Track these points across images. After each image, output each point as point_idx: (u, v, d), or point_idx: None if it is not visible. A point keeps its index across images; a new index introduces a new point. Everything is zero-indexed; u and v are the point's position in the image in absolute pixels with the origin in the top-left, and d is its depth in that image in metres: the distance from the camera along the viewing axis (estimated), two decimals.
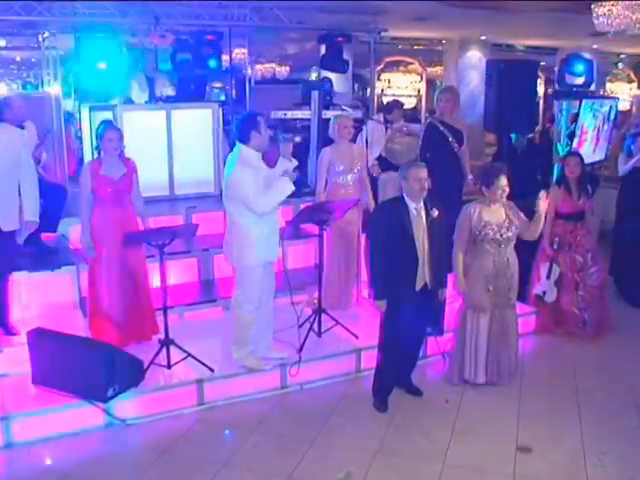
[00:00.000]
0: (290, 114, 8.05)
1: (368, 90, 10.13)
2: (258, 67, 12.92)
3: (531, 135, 7.26)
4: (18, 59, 15.59)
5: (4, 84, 16.32)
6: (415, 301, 4.52)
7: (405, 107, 12.77)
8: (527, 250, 6.07)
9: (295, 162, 4.72)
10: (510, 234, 4.80)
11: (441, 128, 6.12)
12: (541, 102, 13.68)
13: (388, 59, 12.73)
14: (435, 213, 4.55)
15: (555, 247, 5.86)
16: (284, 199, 4.56)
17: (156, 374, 4.68)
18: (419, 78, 13.04)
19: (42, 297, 5.38)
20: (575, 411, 4.62)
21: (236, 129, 4.47)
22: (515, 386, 4.96)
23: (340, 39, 8.47)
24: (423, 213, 4.52)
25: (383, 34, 11.64)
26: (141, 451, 4.17)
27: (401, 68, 12.89)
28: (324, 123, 7.90)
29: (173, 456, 4.08)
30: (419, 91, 13.15)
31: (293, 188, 4.45)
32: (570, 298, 5.92)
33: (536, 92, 6.53)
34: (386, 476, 3.88)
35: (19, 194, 4.86)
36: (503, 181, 4.75)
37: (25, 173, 4.76)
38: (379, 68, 12.71)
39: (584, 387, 4.98)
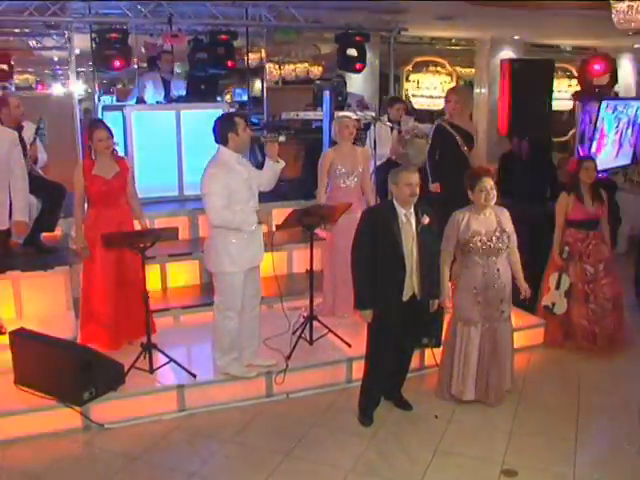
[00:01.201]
0: (302, 115, 7.92)
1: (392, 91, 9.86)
2: (291, 67, 12.82)
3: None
4: (56, 59, 15.89)
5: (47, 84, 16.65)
6: (402, 312, 4.32)
7: (434, 109, 12.63)
8: (537, 260, 5.84)
9: (282, 163, 4.58)
10: (501, 245, 4.54)
11: (450, 130, 5.89)
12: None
13: (417, 59, 12.48)
14: (426, 220, 4.33)
15: (565, 256, 5.57)
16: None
17: (137, 378, 4.61)
18: (449, 79, 12.74)
19: (36, 297, 5.37)
20: (572, 433, 4.33)
21: (213, 131, 4.35)
22: (512, 403, 4.71)
23: (358, 38, 8.29)
24: (413, 220, 4.31)
25: (413, 34, 11.50)
26: (113, 456, 4.09)
27: (430, 68, 12.62)
28: None
29: (143, 463, 4.00)
30: None
31: (254, 227, 4.37)
32: (580, 310, 5.61)
33: (551, 93, 6.20)
34: None
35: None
36: (486, 183, 4.49)
37: (15, 173, 4.75)
38: (408, 68, 12.48)
39: (586, 407, 4.68)
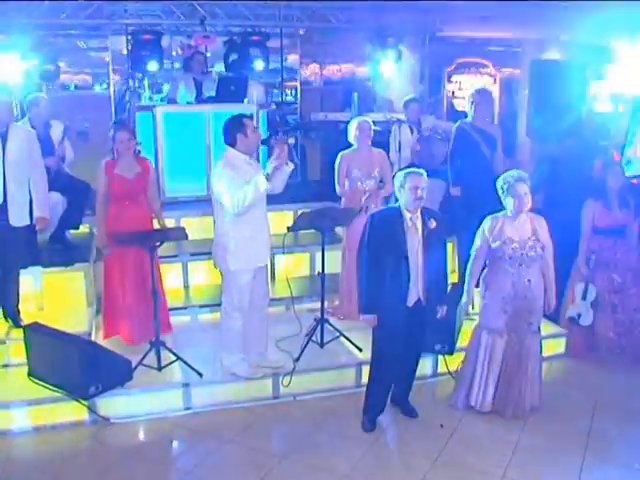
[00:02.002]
0: (331, 116, 7.88)
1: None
2: (336, 67, 12.81)
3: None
4: (107, 59, 16.31)
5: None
6: (408, 317, 4.24)
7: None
8: (562, 268, 5.62)
9: (291, 165, 4.56)
10: (534, 254, 4.36)
11: (472, 132, 5.75)
12: None
13: (460, 60, 12.23)
14: (432, 224, 4.23)
15: (591, 265, 5.35)
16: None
17: (145, 375, 4.68)
18: (492, 80, 12.44)
19: (58, 292, 5.51)
20: (581, 450, 4.15)
21: (222, 132, 4.37)
22: (522, 415, 4.55)
23: (390, 39, 8.20)
24: (419, 224, 4.23)
25: (454, 34, 11.29)
26: (113, 451, 4.17)
27: (472, 69, 12.35)
28: None
29: (141, 459, 4.06)
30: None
31: (266, 186, 4.22)
32: (607, 321, 5.39)
33: (583, 94, 5.97)
34: None
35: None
36: (520, 189, 4.34)
37: (34, 170, 4.89)
38: (450, 69, 12.24)
39: (600, 424, 4.48)
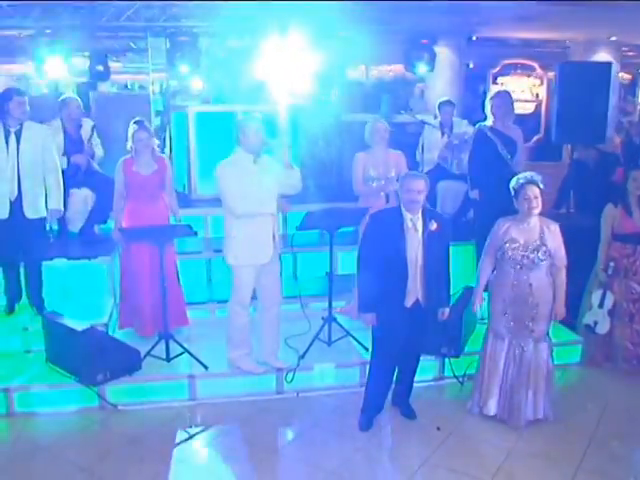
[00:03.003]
0: (359, 117, 7.89)
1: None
2: (388, 68, 12.85)
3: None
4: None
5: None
6: (406, 318, 4.26)
7: (522, 112, 12.12)
8: (580, 274, 5.50)
9: (296, 169, 4.65)
10: (534, 257, 4.30)
11: (491, 136, 5.68)
12: None
13: (506, 61, 12.04)
14: (433, 226, 4.23)
15: (610, 272, 5.22)
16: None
17: (154, 366, 4.85)
18: (539, 82, 12.18)
19: (81, 283, 5.77)
20: (576, 461, 4.05)
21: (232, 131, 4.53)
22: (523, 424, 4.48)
23: (424, 40, 8.17)
24: (420, 225, 4.23)
25: (498, 35, 11.13)
26: (116, 435, 4.34)
27: (519, 71, 12.13)
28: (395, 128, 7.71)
29: (139, 445, 4.22)
30: (538, 96, 12.28)
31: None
32: (624, 331, 5.24)
33: (607, 98, 5.80)
34: None
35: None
36: (530, 191, 4.29)
37: (48, 166, 5.14)
38: (495, 71, 12.07)
39: (603, 434, 4.37)
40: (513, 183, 4.36)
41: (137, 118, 5.32)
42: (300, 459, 4.07)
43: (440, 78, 10.63)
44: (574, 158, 6.83)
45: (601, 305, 5.28)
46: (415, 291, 4.24)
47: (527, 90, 12.15)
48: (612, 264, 5.21)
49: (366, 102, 9.10)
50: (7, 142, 4.91)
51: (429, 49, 8.33)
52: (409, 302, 4.25)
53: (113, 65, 13.62)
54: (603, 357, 5.35)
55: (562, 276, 4.40)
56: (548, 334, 4.54)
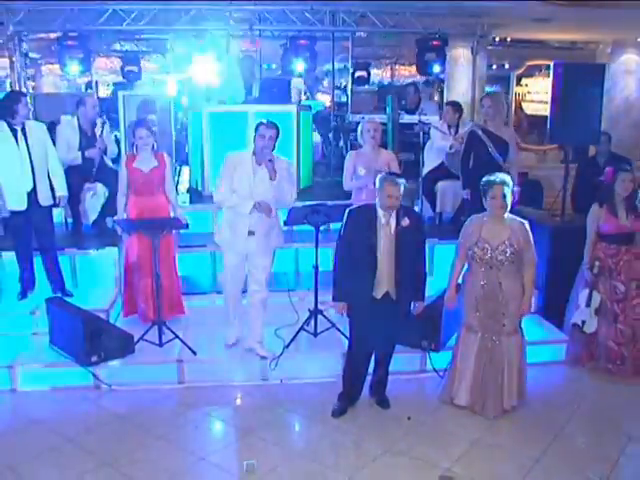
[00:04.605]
0: (367, 117, 8.06)
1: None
2: (403, 68, 12.98)
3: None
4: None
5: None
6: (375, 309, 4.44)
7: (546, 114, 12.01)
8: (567, 274, 5.57)
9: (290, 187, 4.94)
10: (503, 258, 4.43)
11: (482, 136, 5.80)
12: None
13: (529, 63, 11.98)
14: (405, 222, 4.41)
15: (595, 272, 5.27)
16: None
17: (147, 350, 5.16)
18: None
19: (89, 272, 6.15)
20: (537, 454, 4.13)
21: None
22: (495, 414, 4.60)
23: (435, 42, 8.27)
24: (393, 221, 4.41)
25: (521, 36, 11.12)
26: (106, 413, 4.66)
27: (543, 72, 12.06)
28: (403, 128, 7.89)
29: (126, 422, 4.52)
30: None
31: (247, 211, 4.83)
32: (608, 331, 5.26)
33: (602, 99, 5.84)
34: (281, 476, 3.92)
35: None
36: (497, 191, 4.42)
37: (51, 158, 5.56)
38: (519, 72, 12.03)
39: (570, 432, 4.44)
40: (482, 183, 4.49)
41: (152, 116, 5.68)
42: (269, 440, 4.28)
43: (461, 79, 10.72)
44: (588, 157, 6.85)
45: (588, 304, 5.32)
46: (384, 284, 4.41)
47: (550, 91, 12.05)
48: (597, 263, 5.26)
49: (378, 102, 9.26)
50: (16, 139, 5.29)
51: (440, 51, 8.42)
52: (379, 294, 4.42)
53: (150, 66, 14.19)
54: (588, 356, 5.38)
55: (530, 273, 4.50)
56: (521, 330, 4.65)
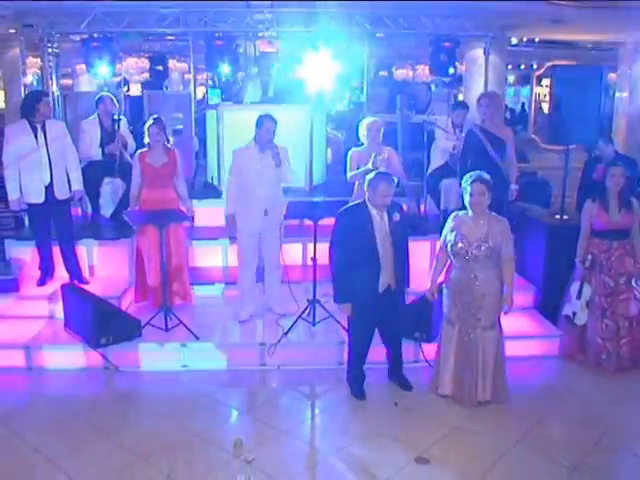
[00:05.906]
0: (378, 117, 8.22)
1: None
2: (420, 67, 13.12)
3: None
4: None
5: None
6: (379, 303, 4.68)
7: None
8: (564, 271, 5.68)
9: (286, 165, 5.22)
10: (477, 252, 4.58)
11: (480, 136, 5.95)
12: None
13: (549, 63, 11.99)
14: (397, 217, 4.64)
15: (587, 265, 5.38)
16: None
17: (153, 334, 5.48)
18: None
19: (104, 261, 6.53)
20: (512, 442, 4.30)
21: None
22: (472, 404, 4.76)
23: (447, 44, 8.41)
24: (385, 217, 4.64)
25: (541, 37, 11.16)
26: (111, 392, 5.04)
27: None
28: (413, 127, 8.05)
29: (125, 401, 4.87)
30: None
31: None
32: (595, 325, 5.38)
33: (599, 99, 5.93)
34: (267, 451, 4.18)
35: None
36: (475, 188, 4.59)
37: (69, 155, 5.91)
38: (539, 73, 12.05)
39: (550, 423, 4.62)
40: (462, 180, 4.68)
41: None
42: (260, 420, 4.57)
43: (479, 80, 10.78)
44: (592, 156, 6.93)
45: (579, 297, 5.44)
46: (387, 277, 4.65)
47: None
48: (590, 257, 5.36)
49: (389, 103, 9.44)
50: (36, 137, 5.66)
51: (452, 52, 8.55)
52: (382, 288, 4.66)
53: (180, 65, 14.58)
54: (578, 350, 5.51)
55: (509, 269, 4.66)
56: (499, 325, 4.78)
